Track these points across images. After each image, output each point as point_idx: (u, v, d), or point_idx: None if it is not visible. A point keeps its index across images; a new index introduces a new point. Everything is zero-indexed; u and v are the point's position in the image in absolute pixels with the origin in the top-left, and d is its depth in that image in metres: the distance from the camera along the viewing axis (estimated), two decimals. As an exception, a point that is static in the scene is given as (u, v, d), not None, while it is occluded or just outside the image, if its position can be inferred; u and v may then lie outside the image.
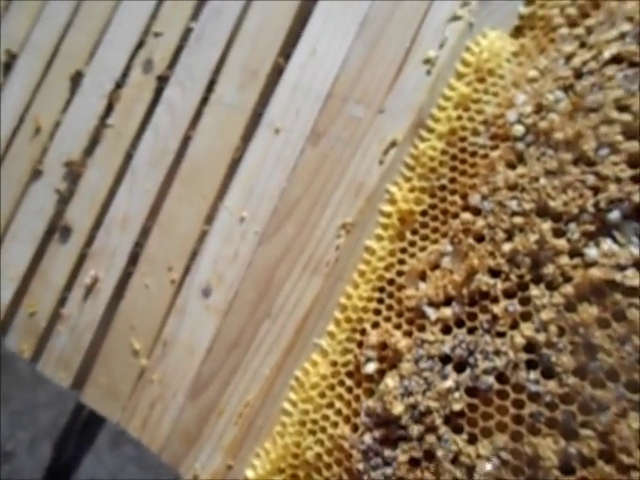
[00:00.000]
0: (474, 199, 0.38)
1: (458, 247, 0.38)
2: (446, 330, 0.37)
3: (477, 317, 0.36)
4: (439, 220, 0.40)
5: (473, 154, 0.39)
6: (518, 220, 0.36)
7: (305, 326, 0.43)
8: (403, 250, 0.40)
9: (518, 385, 0.34)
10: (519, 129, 0.38)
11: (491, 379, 0.35)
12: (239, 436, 0.44)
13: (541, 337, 0.34)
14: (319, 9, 0.54)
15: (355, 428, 0.38)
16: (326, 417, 0.39)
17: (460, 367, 0.36)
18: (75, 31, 0.68)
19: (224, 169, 0.54)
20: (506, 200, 0.37)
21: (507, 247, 0.36)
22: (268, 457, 0.41)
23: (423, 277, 0.39)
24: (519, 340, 0.35)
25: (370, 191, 0.43)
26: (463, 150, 0.40)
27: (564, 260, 0.35)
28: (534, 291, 0.35)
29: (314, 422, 0.40)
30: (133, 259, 0.56)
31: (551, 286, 0.35)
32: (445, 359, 0.36)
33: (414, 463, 0.36)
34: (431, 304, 0.38)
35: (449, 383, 0.35)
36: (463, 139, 0.40)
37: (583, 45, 0.38)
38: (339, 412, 0.39)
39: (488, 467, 0.34)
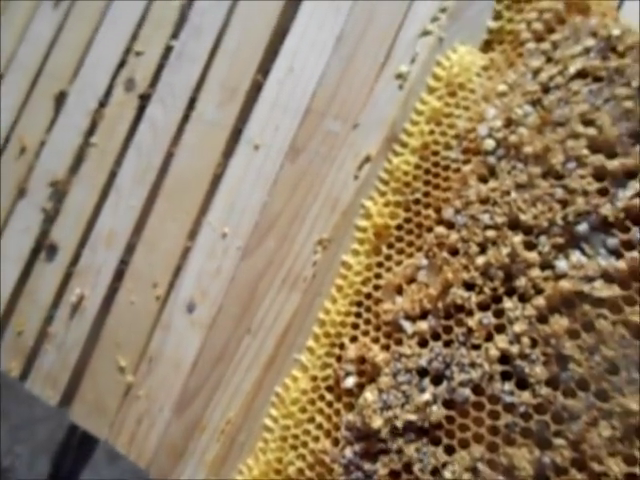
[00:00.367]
0: (447, 213, 0.39)
1: (433, 261, 0.39)
2: (423, 343, 0.38)
3: (453, 330, 0.37)
4: (414, 234, 0.40)
5: (446, 168, 0.40)
6: (491, 233, 0.37)
7: (284, 341, 0.44)
8: (379, 264, 0.41)
9: (493, 396, 0.35)
10: (490, 143, 0.39)
11: (467, 391, 0.35)
12: (221, 452, 0.44)
13: (514, 349, 0.35)
14: (296, 25, 0.55)
15: (336, 442, 0.39)
16: (307, 432, 0.40)
17: (437, 380, 0.37)
18: (59, 50, 0.69)
19: (206, 185, 0.55)
20: (479, 214, 0.38)
21: (480, 260, 0.37)
22: (251, 473, 0.41)
23: (400, 291, 0.40)
24: (493, 352, 0.35)
25: (346, 206, 0.44)
26: (436, 164, 0.40)
27: (535, 272, 0.35)
28: (507, 303, 0.36)
29: (295, 437, 0.40)
30: (118, 276, 0.57)
31: (523, 298, 0.36)
32: (422, 372, 0.37)
33: (394, 476, 0.36)
34: (408, 318, 0.38)
35: (426, 396, 0.36)
36: (436, 153, 0.41)
37: (550, 60, 0.39)
38: (320, 426, 0.40)
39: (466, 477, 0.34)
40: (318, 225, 0.45)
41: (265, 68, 0.56)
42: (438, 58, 0.43)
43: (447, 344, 0.37)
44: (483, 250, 0.37)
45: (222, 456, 0.44)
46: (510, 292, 0.36)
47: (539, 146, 0.37)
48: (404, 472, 0.36)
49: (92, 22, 0.67)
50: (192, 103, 0.58)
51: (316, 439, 0.39)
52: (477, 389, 0.35)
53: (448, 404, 0.36)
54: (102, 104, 0.64)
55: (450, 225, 0.39)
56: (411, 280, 0.39)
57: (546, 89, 0.39)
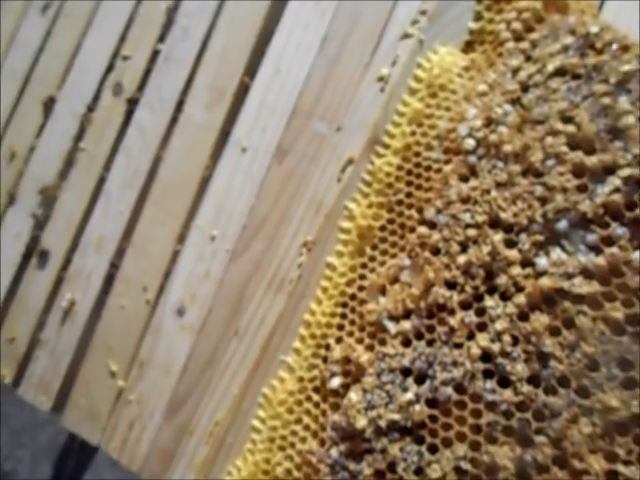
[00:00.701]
0: (429, 213, 0.39)
1: (416, 261, 0.39)
2: (406, 343, 0.38)
3: (435, 329, 0.37)
4: (397, 234, 0.40)
5: (427, 168, 0.40)
6: (471, 232, 0.37)
7: (271, 343, 0.44)
8: (363, 265, 0.41)
9: (475, 395, 0.35)
10: (470, 143, 0.39)
11: (449, 390, 0.35)
12: (210, 454, 0.44)
13: (496, 347, 0.35)
14: (282, 26, 0.55)
15: (322, 443, 0.39)
16: (294, 433, 0.40)
17: (420, 379, 0.37)
18: (47, 56, 0.69)
19: (194, 188, 0.55)
20: (459, 213, 0.38)
21: (462, 259, 0.37)
22: (239, 474, 0.41)
23: (383, 291, 0.40)
24: (475, 351, 0.35)
25: (329, 208, 0.44)
26: (418, 165, 0.41)
27: (516, 270, 0.36)
28: (489, 302, 0.36)
29: (283, 438, 0.40)
30: (109, 281, 0.57)
31: (505, 296, 0.36)
32: (406, 372, 0.37)
33: (379, 476, 0.37)
34: (391, 318, 0.38)
35: (409, 395, 0.36)
36: (417, 154, 0.41)
37: (529, 59, 0.39)
38: (307, 427, 0.40)
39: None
40: (303, 227, 0.46)
41: (252, 69, 0.56)
42: (419, 60, 0.43)
43: (430, 343, 0.37)
44: (464, 249, 0.37)
45: (211, 458, 0.44)
46: (491, 290, 0.36)
47: (519, 144, 0.37)
48: (388, 472, 0.36)
49: (79, 27, 0.67)
50: (180, 106, 0.58)
51: (303, 440, 0.40)
52: (459, 388, 0.35)
53: (431, 403, 0.36)
54: (90, 109, 0.64)
55: (432, 225, 0.39)
56: (394, 280, 0.39)
57: (525, 88, 0.39)
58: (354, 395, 0.38)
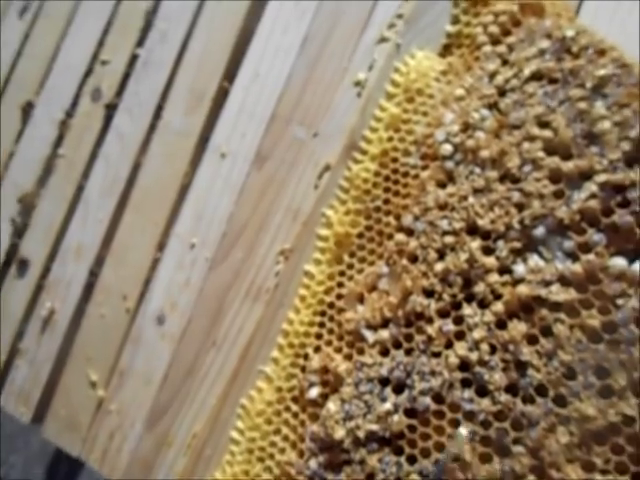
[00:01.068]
0: (407, 220, 0.39)
1: (393, 268, 0.38)
2: (384, 352, 0.37)
3: (413, 338, 0.37)
4: (375, 241, 0.40)
5: (405, 175, 0.40)
6: (449, 239, 0.37)
7: (249, 353, 0.43)
8: (341, 273, 0.40)
9: (454, 404, 0.34)
10: (447, 148, 0.39)
11: (428, 399, 0.35)
12: (189, 466, 0.44)
13: (474, 356, 0.34)
14: (261, 30, 0.54)
15: (301, 454, 0.38)
16: (273, 444, 0.39)
17: (398, 389, 0.36)
18: (25, 60, 0.68)
19: (174, 195, 0.54)
20: (437, 220, 0.38)
21: (439, 267, 0.37)
22: (218, 487, 0.41)
23: (362, 299, 0.39)
24: (453, 360, 0.35)
25: (307, 215, 0.44)
26: (395, 171, 0.40)
27: (494, 278, 0.35)
28: (467, 310, 0.35)
29: (262, 449, 0.40)
30: (88, 289, 0.56)
31: (482, 304, 0.35)
32: (384, 381, 0.37)
33: (358, 486, 0.36)
34: (369, 327, 0.38)
35: (388, 405, 0.36)
36: (395, 160, 0.40)
37: (505, 63, 0.39)
38: (286, 438, 0.39)
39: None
40: (280, 235, 0.45)
41: (231, 73, 0.55)
42: (396, 64, 0.42)
43: (408, 352, 0.37)
44: (442, 256, 0.37)
45: (190, 470, 0.44)
46: (469, 298, 0.36)
47: (496, 150, 0.37)
48: (368, 483, 0.36)
49: (58, 31, 0.66)
50: (159, 112, 0.58)
51: (282, 451, 0.39)
52: (438, 397, 0.35)
53: (410, 413, 0.35)
54: (69, 115, 0.63)
55: (409, 232, 0.39)
56: (372, 288, 0.39)
57: (502, 92, 0.38)
58: (332, 405, 0.37)
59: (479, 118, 0.38)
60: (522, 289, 0.34)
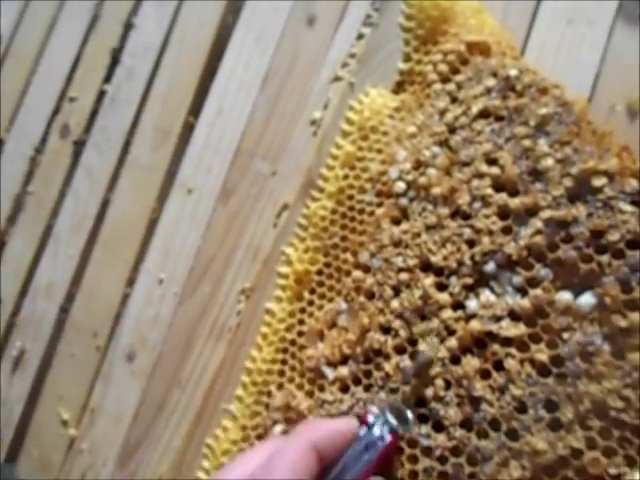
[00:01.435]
0: (363, 257, 0.39)
1: (352, 305, 0.39)
2: (344, 389, 0.38)
3: (372, 374, 0.37)
4: (334, 278, 0.41)
5: (361, 212, 0.41)
6: (404, 276, 0.38)
7: (213, 392, 0.43)
8: (302, 310, 0.41)
9: (412, 440, 0.35)
10: (400, 185, 0.40)
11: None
12: (156, 509, 0.44)
13: (430, 391, 0.35)
14: (224, 66, 0.55)
15: (267, 492, 0.39)
16: (239, 483, 0.40)
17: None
18: (-5, 98, 0.69)
19: (142, 231, 0.55)
20: (392, 257, 0.38)
21: (395, 303, 0.37)
22: (185, 528, 0.41)
23: (322, 336, 0.40)
24: (410, 396, 0.35)
25: (266, 254, 0.44)
26: (352, 208, 0.41)
27: (447, 314, 0.36)
28: (422, 346, 0.36)
29: (228, 489, 0.40)
30: (59, 327, 0.56)
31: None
32: (345, 418, 0.37)
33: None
34: (329, 364, 0.39)
35: (348, 443, 0.36)
36: (351, 197, 0.41)
37: (454, 100, 0.40)
38: (251, 477, 0.39)
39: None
40: (241, 273, 0.46)
41: (196, 109, 0.56)
42: (350, 102, 0.43)
43: (367, 389, 0.37)
44: (397, 293, 0.38)
45: (156, 512, 0.44)
46: (424, 334, 0.36)
47: (447, 187, 0.38)
48: (331, 521, 0.36)
49: (26, 69, 0.67)
50: (127, 147, 0.58)
51: (248, 490, 0.39)
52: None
53: (369, 450, 0.36)
54: (39, 151, 0.63)
55: (366, 269, 0.39)
56: (332, 325, 0.40)
57: (452, 129, 0.39)
58: (295, 444, 0.37)
59: (430, 155, 0.39)
60: (474, 325, 0.35)
